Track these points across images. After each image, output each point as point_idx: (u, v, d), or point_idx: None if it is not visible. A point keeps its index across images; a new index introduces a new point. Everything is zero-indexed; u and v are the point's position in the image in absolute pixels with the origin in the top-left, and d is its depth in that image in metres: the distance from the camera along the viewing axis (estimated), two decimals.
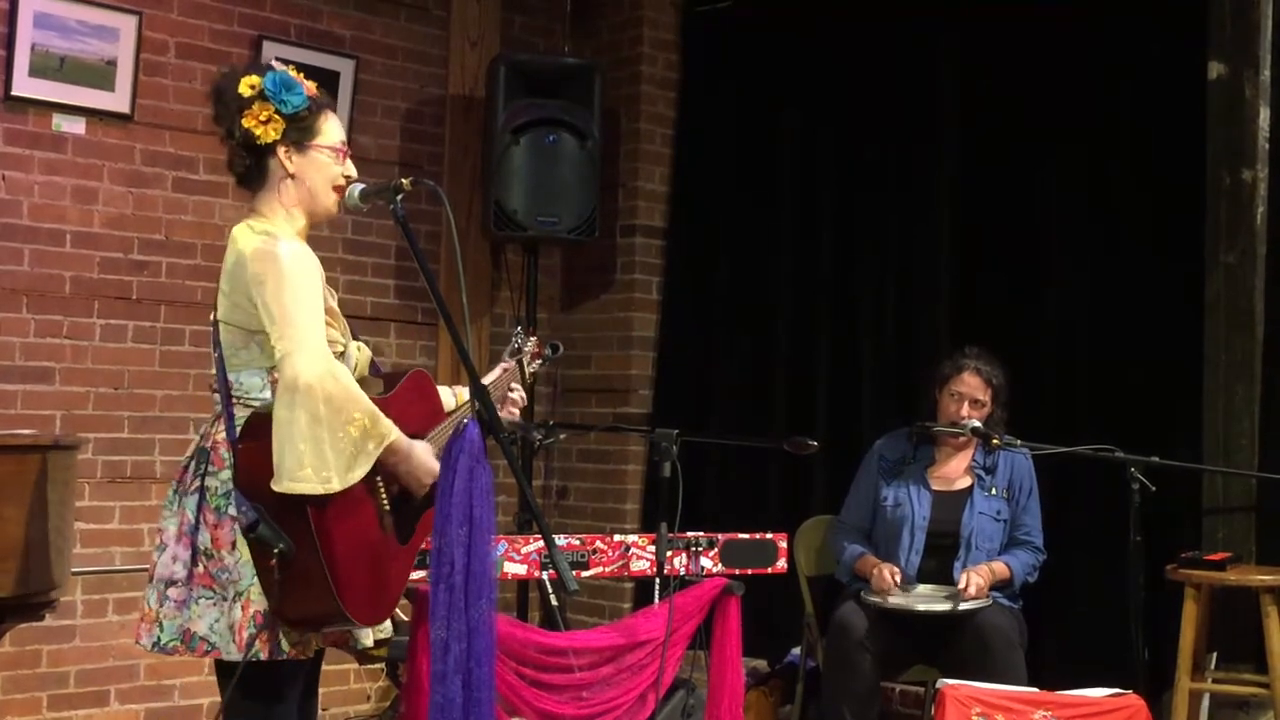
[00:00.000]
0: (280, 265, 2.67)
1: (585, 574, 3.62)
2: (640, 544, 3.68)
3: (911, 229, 5.28)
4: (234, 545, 2.66)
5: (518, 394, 3.25)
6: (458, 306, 2.92)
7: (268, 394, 2.71)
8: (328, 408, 2.56)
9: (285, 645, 2.68)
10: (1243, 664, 4.22)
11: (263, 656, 2.64)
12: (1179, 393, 4.52)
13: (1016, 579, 4.32)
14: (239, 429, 2.68)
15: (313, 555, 2.57)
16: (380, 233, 5.47)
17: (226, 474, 2.69)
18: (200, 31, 5.05)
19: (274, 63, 2.85)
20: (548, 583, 4.96)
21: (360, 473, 2.60)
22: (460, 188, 5.63)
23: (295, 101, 2.77)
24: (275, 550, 2.56)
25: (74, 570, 4.56)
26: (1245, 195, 4.33)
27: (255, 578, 2.63)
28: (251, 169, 2.82)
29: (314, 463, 2.54)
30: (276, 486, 2.55)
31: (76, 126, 4.80)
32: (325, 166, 2.83)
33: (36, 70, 4.68)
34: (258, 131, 2.76)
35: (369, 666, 5.02)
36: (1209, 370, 4.37)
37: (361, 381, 2.86)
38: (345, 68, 5.36)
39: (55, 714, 4.72)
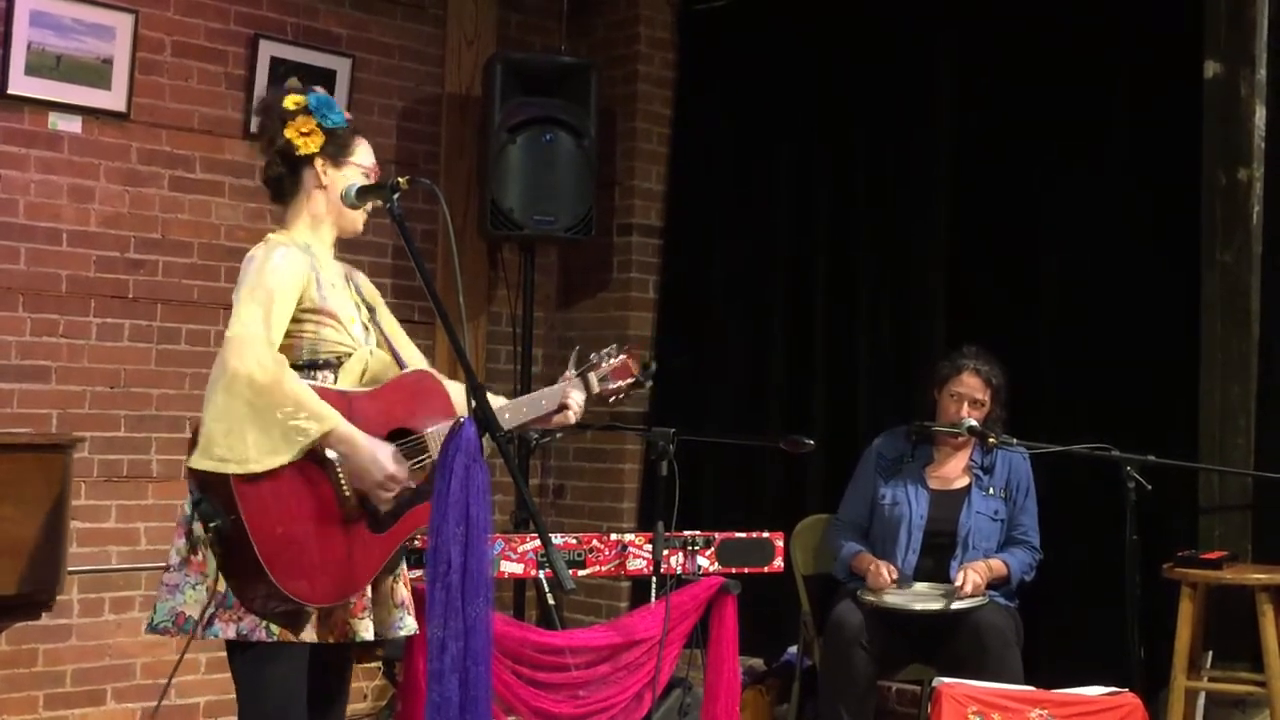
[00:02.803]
0: (256, 264, 2.84)
1: (582, 573, 3.62)
2: (637, 543, 3.69)
3: (908, 227, 5.28)
4: None
5: (573, 402, 3.15)
6: (454, 305, 2.95)
7: None
8: (253, 394, 2.68)
9: (274, 627, 2.75)
10: (1239, 662, 4.22)
11: (225, 635, 2.75)
12: (1176, 392, 4.52)
13: (1014, 577, 4.32)
14: None
15: (243, 532, 2.67)
16: (377, 231, 5.43)
17: None
18: (197, 30, 5.05)
19: (316, 89, 3.02)
20: (544, 581, 4.95)
21: (284, 458, 2.69)
22: (457, 187, 5.63)
23: (335, 119, 2.97)
24: (211, 526, 2.69)
25: (70, 569, 4.57)
26: (1241, 194, 4.34)
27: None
28: (285, 178, 2.99)
29: (227, 443, 2.67)
30: (187, 461, 2.72)
31: (73, 125, 4.80)
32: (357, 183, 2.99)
33: (32, 69, 4.67)
34: (298, 142, 2.94)
35: (365, 665, 5.01)
36: (1205, 369, 4.37)
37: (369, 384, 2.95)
38: (342, 66, 5.35)
39: (51, 713, 4.72)
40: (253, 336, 2.73)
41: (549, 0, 6.05)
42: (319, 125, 2.94)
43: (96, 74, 4.80)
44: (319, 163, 2.96)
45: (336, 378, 2.90)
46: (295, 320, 2.84)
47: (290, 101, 2.95)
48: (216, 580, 2.75)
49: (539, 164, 5.34)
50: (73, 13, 4.73)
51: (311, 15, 5.34)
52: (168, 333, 4.98)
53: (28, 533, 4.23)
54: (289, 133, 2.94)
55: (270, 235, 2.97)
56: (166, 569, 2.84)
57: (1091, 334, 4.79)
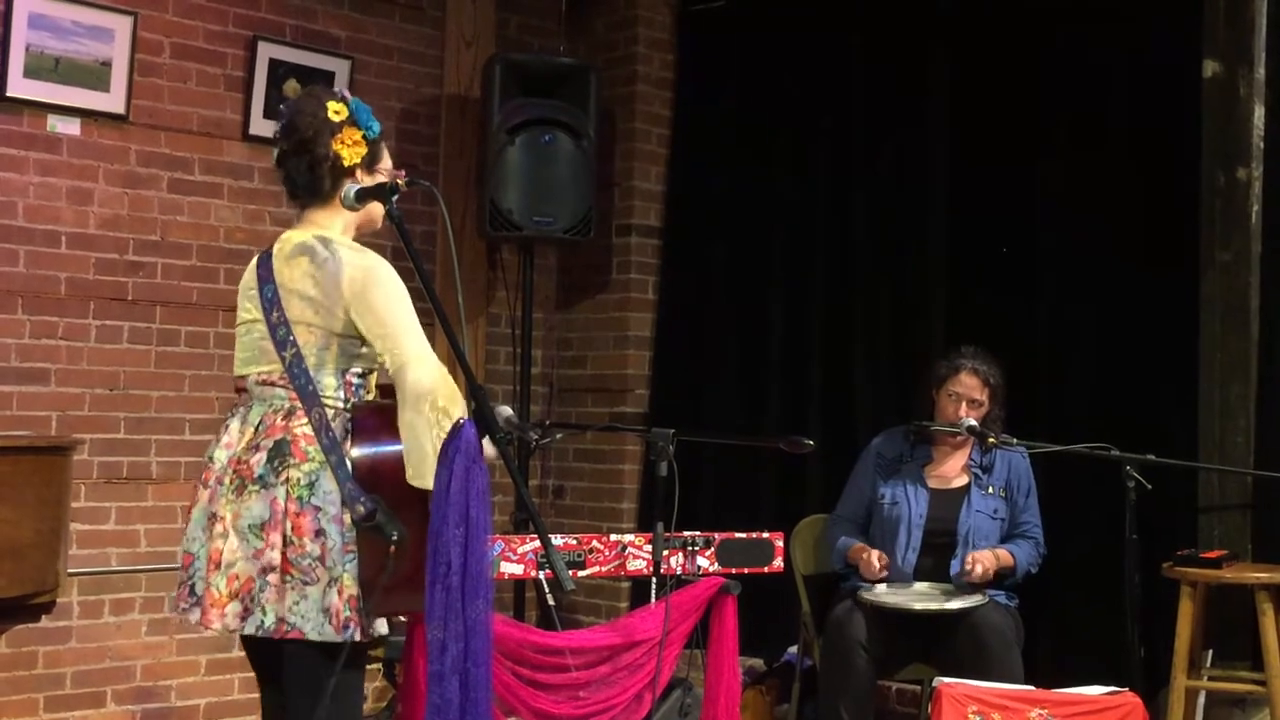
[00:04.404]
0: (381, 276, 2.87)
1: (582, 574, 3.61)
2: (637, 543, 3.68)
3: (907, 226, 5.28)
4: (316, 534, 2.76)
5: None
6: (453, 306, 2.96)
7: (341, 394, 2.85)
8: (439, 414, 2.72)
9: (373, 626, 2.82)
10: (1239, 661, 4.22)
11: (358, 637, 2.77)
12: (1175, 391, 4.52)
13: (1019, 568, 4.33)
14: (337, 427, 2.80)
15: (420, 543, 2.70)
16: (376, 232, 5.44)
17: (309, 465, 2.78)
18: (195, 32, 5.05)
19: (345, 92, 3.03)
20: (544, 582, 4.96)
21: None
22: (456, 188, 5.63)
23: (376, 127, 2.99)
24: (393, 539, 2.71)
25: (70, 571, 4.57)
26: (1240, 194, 4.34)
27: (347, 564, 2.75)
28: (328, 188, 2.95)
29: (431, 459, 2.69)
30: (417, 482, 2.71)
31: (71, 127, 4.80)
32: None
33: (31, 71, 4.67)
34: (345, 154, 2.93)
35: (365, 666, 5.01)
36: (1205, 368, 4.37)
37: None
38: (340, 68, 5.35)
39: (51, 715, 4.71)
40: (428, 353, 2.78)
41: (548, 1, 6.05)
42: (363, 136, 2.95)
43: (95, 76, 4.80)
44: (360, 173, 2.95)
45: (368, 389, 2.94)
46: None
47: (333, 111, 2.93)
48: (343, 584, 2.75)
49: (538, 165, 5.34)
50: (71, 15, 4.73)
51: (310, 17, 5.34)
52: (167, 335, 4.98)
53: (27, 535, 4.23)
54: (337, 146, 2.92)
55: (331, 237, 2.92)
56: (271, 569, 2.76)
57: (1091, 333, 4.79)
